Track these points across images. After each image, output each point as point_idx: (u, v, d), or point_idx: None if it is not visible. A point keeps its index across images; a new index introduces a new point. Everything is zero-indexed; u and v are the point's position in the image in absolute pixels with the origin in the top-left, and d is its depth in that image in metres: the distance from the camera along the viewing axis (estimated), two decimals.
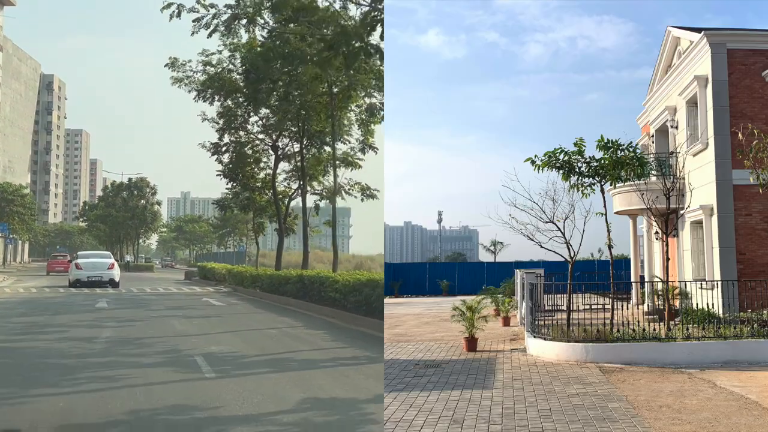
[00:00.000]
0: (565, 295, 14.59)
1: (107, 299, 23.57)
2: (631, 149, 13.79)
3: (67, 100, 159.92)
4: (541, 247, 14.37)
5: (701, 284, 16.37)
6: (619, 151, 13.61)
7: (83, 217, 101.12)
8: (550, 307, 15.93)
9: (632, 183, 16.31)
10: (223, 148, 32.77)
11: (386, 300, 34.47)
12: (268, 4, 24.16)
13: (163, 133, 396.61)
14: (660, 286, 16.87)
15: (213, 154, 32.78)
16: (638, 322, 13.07)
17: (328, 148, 29.14)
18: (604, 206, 13.94)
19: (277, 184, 33.46)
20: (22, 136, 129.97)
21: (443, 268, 45.55)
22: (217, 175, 33.24)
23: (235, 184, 34.29)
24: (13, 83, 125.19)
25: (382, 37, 17.10)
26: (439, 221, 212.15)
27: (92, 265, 30.78)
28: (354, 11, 23.27)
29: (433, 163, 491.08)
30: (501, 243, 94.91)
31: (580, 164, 13.68)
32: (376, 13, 17.26)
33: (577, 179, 13.79)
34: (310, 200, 32.45)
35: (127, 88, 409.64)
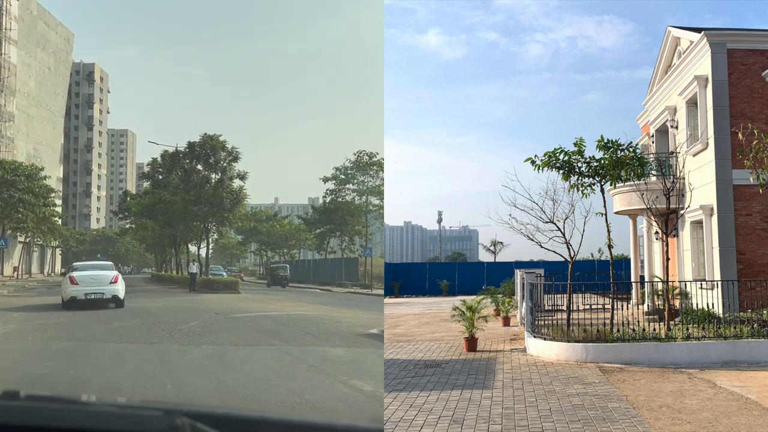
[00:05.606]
0: (565, 295, 14.59)
1: None
2: (631, 149, 13.79)
3: (110, 93, 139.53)
4: (541, 247, 14.39)
5: (701, 284, 16.37)
6: (619, 151, 13.62)
7: (123, 212, 71.36)
8: (550, 307, 15.94)
9: (632, 183, 16.33)
10: None
11: (386, 300, 34.49)
12: None
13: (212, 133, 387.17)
14: (660, 286, 16.87)
15: None
16: (638, 322, 13.08)
17: None
18: (604, 206, 13.93)
19: None
20: (52, 119, 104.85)
21: (443, 268, 45.58)
22: None
23: None
24: (39, 53, 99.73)
25: None
26: (439, 221, 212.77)
27: (91, 278, 24.48)
28: None
29: (433, 163, 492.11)
30: (501, 243, 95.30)
31: (580, 164, 13.68)
32: None
33: (577, 179, 13.79)
34: None
35: (175, 93, 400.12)
